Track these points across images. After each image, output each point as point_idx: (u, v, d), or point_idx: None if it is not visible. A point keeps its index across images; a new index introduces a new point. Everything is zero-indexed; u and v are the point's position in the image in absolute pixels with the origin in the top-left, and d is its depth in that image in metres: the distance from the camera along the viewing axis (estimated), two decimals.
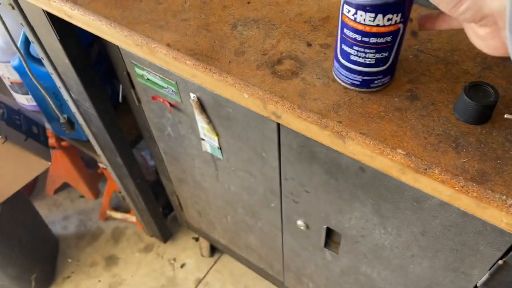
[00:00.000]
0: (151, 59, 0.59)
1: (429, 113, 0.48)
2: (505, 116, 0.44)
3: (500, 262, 0.55)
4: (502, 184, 0.42)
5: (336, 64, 0.50)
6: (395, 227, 0.65)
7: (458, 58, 0.53)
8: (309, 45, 0.56)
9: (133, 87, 0.84)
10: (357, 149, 0.48)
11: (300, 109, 0.50)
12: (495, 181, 0.42)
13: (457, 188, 0.43)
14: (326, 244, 0.84)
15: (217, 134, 0.79)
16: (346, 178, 0.64)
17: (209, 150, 0.85)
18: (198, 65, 0.55)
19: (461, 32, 0.55)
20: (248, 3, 0.61)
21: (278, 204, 0.84)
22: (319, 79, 0.52)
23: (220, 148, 0.82)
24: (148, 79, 0.78)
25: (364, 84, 0.50)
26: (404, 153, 0.45)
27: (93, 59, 1.00)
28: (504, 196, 0.41)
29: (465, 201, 0.43)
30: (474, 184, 0.42)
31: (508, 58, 0.51)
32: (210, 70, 0.54)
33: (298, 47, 0.56)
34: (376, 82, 0.50)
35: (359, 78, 0.49)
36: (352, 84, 0.50)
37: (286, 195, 0.80)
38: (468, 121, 0.46)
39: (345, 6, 0.44)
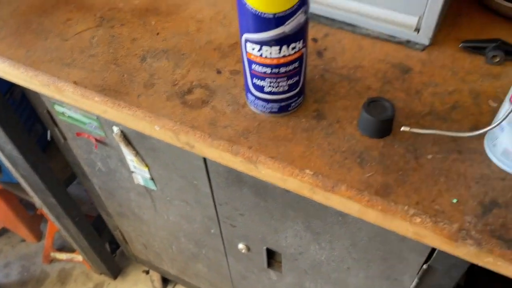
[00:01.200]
0: (60, 98, 0.58)
1: (334, 131, 0.49)
2: (402, 129, 0.46)
3: (424, 266, 0.56)
4: (404, 195, 0.43)
5: (251, 97, 0.50)
6: (327, 242, 0.66)
7: (360, 75, 0.55)
8: (219, 72, 0.56)
9: (56, 125, 0.82)
10: (269, 172, 0.48)
11: (211, 137, 0.50)
12: (397, 193, 0.43)
13: (363, 203, 0.44)
14: (269, 265, 0.84)
15: (147, 166, 0.78)
16: (275, 199, 0.64)
17: (141, 182, 0.83)
18: (107, 100, 0.53)
19: (363, 49, 0.58)
20: (158, 34, 0.61)
21: (218, 230, 0.83)
22: (229, 105, 0.52)
23: (152, 179, 0.81)
24: (69, 116, 0.76)
25: (282, 109, 0.50)
26: (312, 173, 0.46)
27: (16, 99, 0.96)
28: (406, 207, 0.43)
29: (372, 214, 0.44)
30: (379, 198, 0.43)
31: (407, 71, 0.53)
32: (119, 105, 0.53)
33: (208, 75, 0.56)
34: (292, 105, 0.51)
35: (276, 105, 0.50)
36: (271, 112, 0.51)
37: (223, 220, 0.79)
38: (371, 136, 0.48)
39: (248, 44, 0.44)
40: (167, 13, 0.64)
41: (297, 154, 0.47)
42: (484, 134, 0.46)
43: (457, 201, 0.43)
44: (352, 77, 0.55)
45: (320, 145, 0.48)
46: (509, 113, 0.40)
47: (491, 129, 0.42)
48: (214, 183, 0.70)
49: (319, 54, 0.58)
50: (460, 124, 0.49)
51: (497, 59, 0.54)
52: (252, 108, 0.52)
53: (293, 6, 0.40)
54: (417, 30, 0.56)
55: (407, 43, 0.58)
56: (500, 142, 0.43)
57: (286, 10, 0.40)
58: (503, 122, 0.42)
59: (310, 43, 0.59)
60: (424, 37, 0.56)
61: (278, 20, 0.41)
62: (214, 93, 0.54)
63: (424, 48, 0.57)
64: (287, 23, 0.41)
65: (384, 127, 0.47)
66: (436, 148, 0.47)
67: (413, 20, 0.56)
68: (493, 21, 0.59)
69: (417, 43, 0.57)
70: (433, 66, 0.55)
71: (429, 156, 0.46)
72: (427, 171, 0.45)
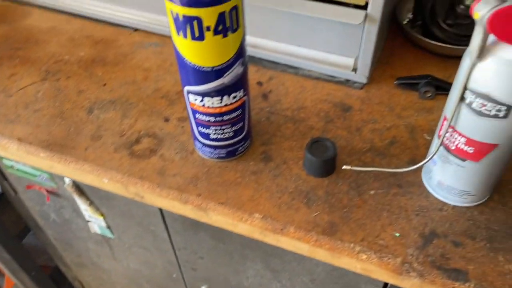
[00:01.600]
0: (5, 155, 0.57)
1: (282, 172, 0.51)
2: (343, 167, 0.48)
3: None
4: (349, 233, 0.45)
5: (198, 144, 0.51)
6: (288, 279, 0.67)
7: (304, 115, 0.57)
8: (166, 120, 0.57)
9: (6, 178, 0.79)
10: (219, 219, 0.49)
11: (160, 187, 0.50)
12: (343, 231, 0.45)
13: (312, 243, 0.45)
14: None
15: (102, 214, 0.76)
16: (232, 240, 0.64)
17: (98, 231, 0.81)
18: (53, 156, 0.53)
19: (305, 90, 0.60)
20: (104, 85, 0.62)
21: (179, 274, 0.82)
22: (178, 153, 0.53)
23: (109, 227, 0.79)
24: (18, 169, 0.74)
25: (230, 154, 0.51)
26: (261, 216, 0.47)
27: None
28: (352, 244, 0.44)
29: (321, 253, 0.45)
30: (326, 237, 0.45)
31: (348, 109, 0.56)
32: (66, 160, 0.53)
33: (156, 124, 0.56)
34: (239, 149, 0.52)
35: (223, 151, 0.51)
36: (219, 158, 0.52)
37: (184, 265, 0.78)
38: (316, 175, 0.50)
39: (190, 95, 0.46)
40: (114, 63, 0.65)
41: (246, 198, 0.48)
42: (420, 168, 0.48)
43: (400, 235, 0.44)
44: (296, 118, 0.57)
45: (269, 187, 0.49)
46: (438, 147, 0.43)
47: (422, 165, 0.44)
48: (171, 229, 0.70)
49: (265, 97, 0.60)
50: (398, 158, 0.51)
51: (429, 94, 0.57)
52: (201, 154, 0.52)
53: (229, 59, 0.42)
54: (354, 70, 0.59)
55: (347, 82, 0.61)
56: (434, 175, 0.46)
57: (223, 64, 0.42)
58: (434, 156, 0.45)
59: (255, 86, 0.61)
60: (361, 76, 0.59)
61: (217, 73, 0.42)
62: (162, 142, 0.54)
63: (363, 86, 0.60)
64: (225, 75, 0.43)
65: (327, 167, 0.49)
66: (377, 184, 0.49)
67: (349, 61, 0.59)
68: (424, 58, 0.64)
69: (355, 82, 0.60)
70: (371, 103, 0.58)
71: (372, 192, 0.48)
72: (370, 207, 0.47)
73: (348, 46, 0.58)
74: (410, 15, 0.68)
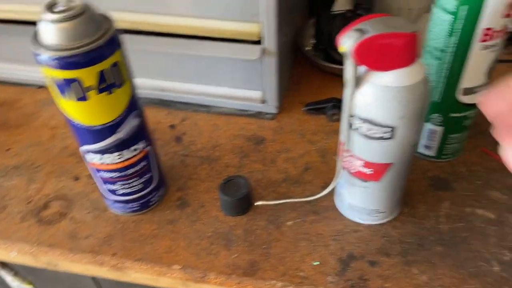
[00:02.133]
0: None
1: (199, 217, 0.50)
2: (255, 203, 0.48)
3: None
4: (270, 269, 0.44)
5: (108, 201, 0.50)
6: None
7: (219, 154, 0.57)
8: (76, 179, 0.55)
9: None
10: (138, 276, 0.47)
11: (73, 252, 0.47)
12: (264, 268, 0.44)
13: (235, 287, 0.44)
14: None
15: (30, 282, 0.71)
16: None
17: None
18: None
19: (218, 128, 0.60)
20: (8, 150, 0.58)
21: None
22: (89, 213, 0.51)
23: None
24: None
25: (143, 206, 0.50)
26: (180, 267, 0.45)
27: None
28: (274, 281, 0.44)
29: None
30: (247, 278, 0.44)
31: (261, 141, 0.57)
32: None
33: (66, 184, 0.54)
34: (153, 200, 0.50)
35: (136, 204, 0.49)
36: (133, 211, 0.50)
37: None
38: (233, 215, 0.49)
39: (87, 155, 0.44)
40: (18, 125, 0.62)
41: (163, 250, 0.47)
42: (332, 192, 0.49)
43: (319, 263, 0.45)
44: (211, 157, 0.56)
45: (187, 235, 0.48)
46: (340, 173, 0.44)
47: (329, 191, 0.45)
48: (104, 287, 0.66)
49: (178, 139, 0.59)
50: (312, 184, 0.52)
51: (336, 116, 0.59)
52: (113, 210, 0.51)
53: (121, 114, 0.41)
54: (264, 102, 0.60)
55: (258, 115, 0.61)
56: (344, 198, 0.47)
57: (115, 119, 0.41)
58: (341, 180, 0.46)
59: (167, 130, 0.60)
60: (271, 107, 0.60)
61: (110, 129, 0.41)
62: (73, 203, 0.52)
63: (274, 116, 0.61)
64: (119, 130, 0.42)
65: (243, 204, 0.49)
66: (294, 214, 0.49)
67: (257, 94, 0.60)
68: (329, 81, 0.66)
69: (266, 113, 0.61)
70: (283, 132, 0.59)
71: (289, 223, 0.48)
72: (289, 239, 0.47)
73: (253, 80, 0.59)
74: (312, 41, 0.70)
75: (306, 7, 0.75)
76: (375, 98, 0.36)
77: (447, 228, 0.47)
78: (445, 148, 0.51)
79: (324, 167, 0.54)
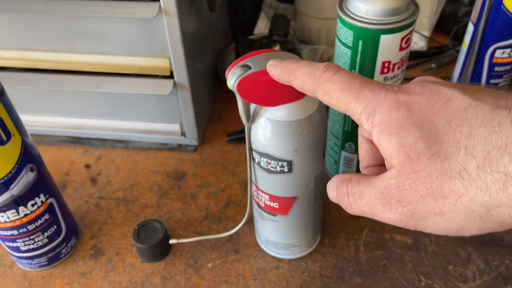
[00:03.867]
0: None
1: (114, 266, 0.47)
2: (170, 241, 0.46)
3: None
4: None
5: (14, 258, 0.46)
6: None
7: (137, 193, 0.54)
8: None
9: None
10: None
11: None
12: None
13: None
14: None
15: None
16: None
17: None
18: None
19: (137, 164, 0.58)
20: None
21: None
22: None
23: None
24: None
25: (53, 260, 0.46)
26: None
27: None
28: None
29: None
30: None
31: (182, 177, 0.55)
32: None
33: None
34: (63, 251, 0.47)
35: (43, 259, 0.46)
36: (41, 266, 0.46)
37: None
38: (150, 261, 0.47)
39: None
40: None
41: None
42: (247, 225, 0.48)
43: None
44: (128, 198, 0.54)
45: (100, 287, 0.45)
46: (249, 207, 0.43)
47: (241, 227, 0.44)
48: None
49: (93, 180, 0.56)
50: (234, 220, 0.51)
51: None
52: (21, 266, 0.47)
53: (11, 170, 0.38)
54: (183, 134, 0.58)
55: (179, 148, 0.59)
56: (261, 232, 0.46)
57: (4, 177, 0.38)
58: (255, 214, 0.45)
59: (83, 170, 0.57)
60: (192, 139, 0.59)
61: (0, 186, 0.38)
62: None
63: (195, 148, 0.59)
64: (12, 187, 0.39)
65: (159, 250, 0.47)
66: (215, 254, 0.48)
67: (176, 127, 0.58)
68: None
69: (188, 145, 0.59)
70: (205, 165, 0.57)
71: (209, 265, 0.47)
72: (208, 282, 0.45)
73: (169, 114, 0.57)
74: None
75: (227, 30, 0.75)
76: (269, 133, 0.36)
77: (366, 257, 0.47)
78: None
79: (246, 200, 0.53)
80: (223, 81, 0.69)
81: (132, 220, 0.51)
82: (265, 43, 0.62)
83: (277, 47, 0.61)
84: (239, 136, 0.59)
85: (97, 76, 0.54)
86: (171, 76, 0.52)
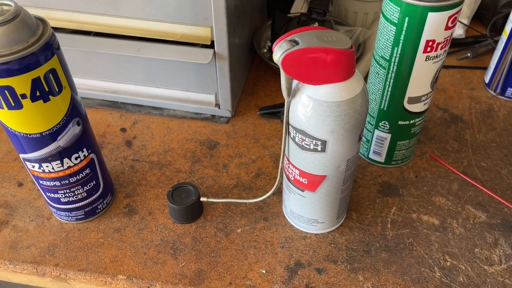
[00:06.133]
0: None
1: (147, 225, 0.49)
2: (201, 199, 0.47)
3: None
4: (217, 278, 0.44)
5: (52, 209, 0.48)
6: None
7: (170, 159, 0.56)
8: (20, 185, 0.53)
9: None
10: (82, 286, 0.45)
11: (13, 263, 0.45)
12: (211, 277, 0.44)
13: None
14: None
15: None
16: None
17: None
18: None
19: (171, 131, 0.59)
20: None
21: None
22: (33, 221, 0.49)
23: None
24: None
25: (89, 214, 0.48)
26: (125, 277, 0.44)
27: None
28: None
29: None
30: (193, 287, 0.43)
31: (214, 146, 0.56)
32: None
33: (8, 191, 0.52)
34: (99, 207, 0.49)
35: (81, 212, 0.48)
36: (78, 220, 0.48)
37: None
38: (182, 222, 0.49)
39: (27, 163, 0.42)
40: None
41: (109, 259, 0.46)
42: (276, 197, 0.49)
43: (266, 271, 0.44)
44: (162, 162, 0.55)
45: (133, 244, 0.47)
46: (280, 178, 0.44)
47: (269, 195, 0.45)
48: None
49: (129, 143, 0.58)
50: (264, 190, 0.52)
51: None
52: (58, 218, 0.49)
53: (60, 122, 0.39)
54: (217, 105, 0.59)
55: (212, 118, 0.61)
56: (287, 204, 0.47)
57: (53, 128, 0.39)
58: (284, 186, 0.46)
59: (118, 133, 0.59)
60: (225, 111, 0.60)
61: (49, 137, 0.40)
62: (15, 210, 0.50)
63: (228, 120, 0.60)
64: (59, 138, 0.40)
65: (192, 212, 0.48)
66: (244, 220, 0.49)
67: (211, 98, 0.59)
68: None
69: (221, 117, 0.61)
70: (237, 137, 0.58)
71: (239, 230, 0.48)
72: (237, 247, 0.47)
73: (205, 84, 0.58)
74: (269, 43, 0.70)
75: (263, 8, 0.75)
76: (307, 110, 0.36)
77: (393, 234, 0.47)
78: (394, 154, 0.52)
79: (276, 172, 0.54)
80: (258, 56, 0.70)
81: (165, 183, 0.53)
82: (303, 21, 0.62)
83: (315, 25, 0.61)
84: (271, 111, 0.60)
85: (139, 41, 0.55)
86: (211, 45, 0.53)
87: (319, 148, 0.38)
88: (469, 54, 0.70)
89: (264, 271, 0.45)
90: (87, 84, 0.62)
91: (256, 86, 0.66)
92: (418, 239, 0.47)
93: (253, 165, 0.55)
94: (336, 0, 0.71)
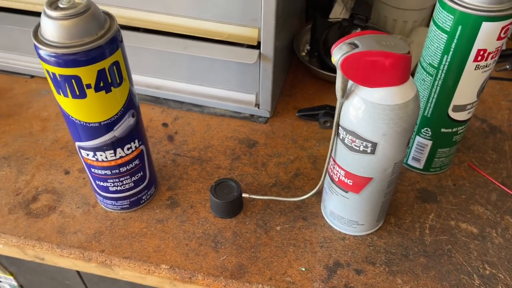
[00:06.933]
0: None
1: (189, 218, 0.50)
2: (243, 195, 0.49)
3: None
4: (257, 273, 0.45)
5: (99, 197, 0.50)
6: None
7: (211, 155, 0.57)
8: (67, 172, 0.54)
9: None
10: (126, 273, 0.47)
11: (60, 247, 0.47)
12: (251, 272, 0.45)
13: None
14: None
15: (11, 273, 0.71)
16: None
17: None
18: None
19: (211, 128, 0.61)
20: None
21: None
22: (79, 208, 0.51)
23: (21, 286, 0.73)
24: None
25: (134, 204, 0.50)
26: (168, 267, 0.46)
27: None
28: (260, 285, 0.44)
29: None
30: (234, 281, 0.45)
31: (253, 145, 0.57)
32: None
33: (55, 178, 0.54)
34: (144, 198, 0.50)
35: (126, 202, 0.49)
36: (123, 209, 0.50)
37: None
38: (223, 217, 0.50)
39: (82, 150, 0.44)
40: (8, 115, 0.61)
41: (152, 249, 0.47)
42: (315, 197, 0.50)
43: (306, 269, 0.45)
44: (203, 158, 0.57)
45: (176, 235, 0.48)
46: (323, 178, 0.45)
47: (312, 194, 0.46)
48: (87, 280, 0.66)
49: (170, 138, 0.59)
50: (302, 190, 0.53)
51: (328, 124, 0.60)
52: (103, 206, 0.51)
53: (118, 113, 0.41)
54: (257, 105, 0.61)
55: (251, 118, 0.62)
56: (327, 204, 0.48)
57: (111, 118, 0.41)
58: (325, 186, 0.47)
59: (160, 128, 0.60)
60: (264, 111, 0.61)
61: (106, 127, 0.41)
62: (62, 197, 0.52)
63: (267, 120, 0.62)
64: (115, 128, 0.42)
65: (233, 207, 0.49)
66: (283, 218, 0.50)
67: (251, 98, 0.60)
68: (323, 88, 0.67)
69: (260, 117, 0.62)
70: (275, 137, 0.59)
71: (278, 228, 0.49)
72: (277, 243, 0.48)
73: (247, 83, 0.59)
74: (308, 47, 0.71)
75: (302, 12, 0.76)
76: (360, 112, 0.37)
77: (431, 240, 0.48)
78: (433, 161, 0.53)
79: (314, 174, 0.55)
80: (295, 59, 0.71)
81: (206, 178, 0.54)
82: (345, 26, 0.63)
83: (357, 31, 0.62)
84: (310, 113, 0.61)
85: (186, 39, 0.56)
86: (256, 46, 0.55)
87: (368, 150, 0.39)
88: (507, 66, 0.70)
89: (303, 269, 0.45)
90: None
91: (293, 88, 0.67)
92: (456, 246, 0.47)
93: (291, 165, 0.56)
94: (376, 7, 0.72)
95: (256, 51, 0.55)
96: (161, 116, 0.62)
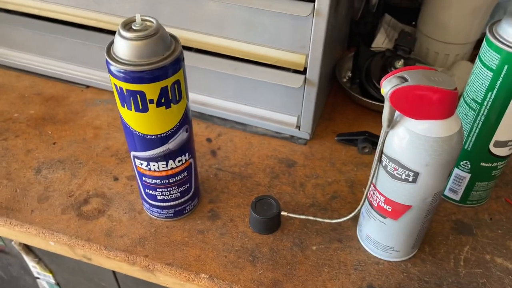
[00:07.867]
0: None
1: (228, 230, 0.52)
2: (282, 213, 0.50)
3: None
4: None
5: (146, 205, 0.53)
6: None
7: (251, 171, 0.59)
8: (116, 179, 0.58)
9: None
10: (167, 279, 0.49)
11: (107, 249, 0.50)
12: None
13: None
14: None
15: (51, 271, 0.74)
16: None
17: None
18: None
19: (252, 146, 0.63)
20: (54, 143, 0.62)
21: None
22: (126, 213, 0.54)
23: (58, 284, 0.77)
24: None
25: (177, 214, 0.53)
26: (207, 276, 0.48)
27: None
28: None
29: None
30: None
31: (292, 165, 0.59)
32: (10, 223, 0.52)
33: (105, 183, 0.57)
34: (187, 208, 0.53)
35: (171, 211, 0.52)
36: (167, 217, 0.53)
37: None
38: (261, 232, 0.52)
39: (136, 159, 0.47)
40: (64, 121, 0.66)
41: (192, 258, 0.49)
42: (351, 220, 0.51)
43: None
44: (243, 174, 0.59)
45: (215, 246, 0.50)
46: (363, 203, 0.46)
47: (350, 217, 0.48)
48: (122, 285, 0.69)
49: (213, 153, 0.62)
50: (339, 213, 0.54)
51: (367, 150, 0.62)
52: (149, 214, 0.53)
53: (173, 127, 0.44)
54: (298, 127, 0.63)
55: (291, 138, 0.64)
56: (363, 228, 0.49)
57: (167, 131, 0.44)
58: (362, 210, 0.49)
59: (205, 143, 0.63)
60: (304, 133, 0.63)
61: (162, 140, 0.44)
62: (111, 201, 0.55)
63: (306, 142, 0.64)
64: (170, 141, 0.45)
65: (271, 224, 0.51)
66: (319, 239, 0.51)
67: (293, 119, 0.63)
68: (363, 114, 0.68)
69: (299, 138, 0.64)
70: (314, 158, 0.61)
71: (314, 247, 0.51)
72: (312, 263, 0.49)
73: (290, 106, 0.62)
74: (349, 74, 0.73)
75: (345, 40, 0.79)
76: (404, 142, 0.39)
77: (466, 272, 0.48)
78: (470, 194, 0.53)
79: (351, 197, 0.56)
80: (336, 85, 0.73)
81: (245, 193, 0.56)
82: (388, 56, 0.65)
83: (401, 62, 0.64)
84: (349, 138, 0.63)
85: (236, 61, 0.60)
86: (303, 71, 0.57)
87: (410, 179, 0.40)
88: None
89: None
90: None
91: (333, 113, 0.69)
92: (491, 280, 0.48)
93: (329, 187, 0.58)
94: (419, 39, 0.74)
95: (302, 76, 0.57)
96: (206, 131, 0.65)
